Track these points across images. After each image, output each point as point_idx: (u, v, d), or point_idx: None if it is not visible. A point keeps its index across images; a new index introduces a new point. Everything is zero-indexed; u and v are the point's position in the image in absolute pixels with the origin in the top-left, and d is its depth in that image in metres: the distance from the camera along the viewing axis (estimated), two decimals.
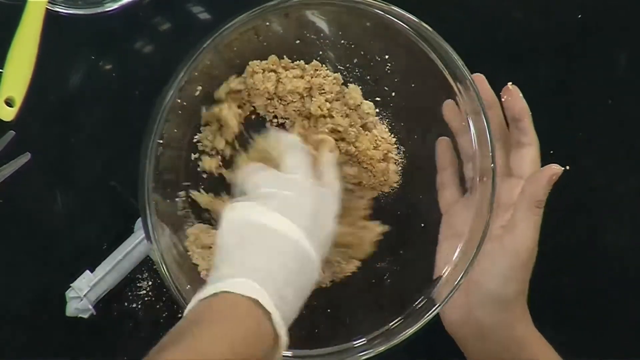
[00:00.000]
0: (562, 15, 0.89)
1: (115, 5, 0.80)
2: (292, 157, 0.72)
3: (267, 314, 0.60)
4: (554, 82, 0.89)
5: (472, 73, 0.78)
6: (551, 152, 0.87)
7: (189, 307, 0.61)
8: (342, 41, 0.81)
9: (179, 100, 0.76)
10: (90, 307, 0.79)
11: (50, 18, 0.77)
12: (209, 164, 0.80)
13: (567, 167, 0.87)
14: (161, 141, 0.75)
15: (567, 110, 0.89)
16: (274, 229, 0.65)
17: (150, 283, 0.82)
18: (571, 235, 0.88)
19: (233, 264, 0.64)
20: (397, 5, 0.77)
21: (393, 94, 0.83)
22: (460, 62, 0.76)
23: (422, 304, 0.78)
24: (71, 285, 0.79)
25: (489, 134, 0.75)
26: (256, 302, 0.60)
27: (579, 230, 0.88)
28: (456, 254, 0.78)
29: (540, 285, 0.87)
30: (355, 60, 0.82)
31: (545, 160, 0.88)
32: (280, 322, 0.60)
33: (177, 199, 0.80)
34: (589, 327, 0.88)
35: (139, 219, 0.80)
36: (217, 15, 0.86)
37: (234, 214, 0.67)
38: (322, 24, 0.81)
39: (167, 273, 0.74)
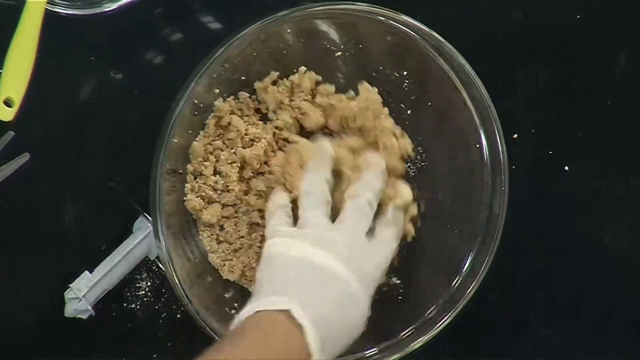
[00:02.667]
0: (562, 15, 0.89)
1: (114, 6, 0.80)
2: (353, 208, 0.73)
3: (302, 331, 0.60)
4: (554, 82, 0.89)
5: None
6: (550, 152, 0.88)
7: (231, 327, 0.62)
8: (361, 54, 0.81)
9: (195, 101, 0.77)
10: (89, 307, 0.79)
11: (49, 18, 0.77)
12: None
13: (567, 168, 0.88)
14: (175, 140, 0.75)
15: (567, 110, 0.89)
16: (319, 263, 0.65)
17: (149, 284, 0.82)
18: (571, 235, 0.88)
19: (272, 289, 0.64)
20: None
21: (409, 112, 0.82)
22: (480, 84, 0.77)
23: (433, 313, 0.78)
24: (70, 285, 0.79)
25: None
26: (291, 317, 0.60)
27: (579, 230, 0.88)
28: (465, 266, 0.78)
29: (541, 285, 0.87)
30: (373, 75, 0.81)
31: (544, 160, 0.88)
32: (313, 341, 0.60)
33: (185, 198, 0.80)
34: (589, 327, 0.88)
35: (138, 219, 0.81)
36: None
37: (275, 249, 0.68)
38: (340, 37, 0.81)
39: (173, 272, 0.74)
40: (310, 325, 0.60)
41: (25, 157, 0.81)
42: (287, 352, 0.60)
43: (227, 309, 0.78)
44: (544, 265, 0.87)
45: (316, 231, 0.70)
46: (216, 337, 0.74)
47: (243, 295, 0.80)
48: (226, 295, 0.78)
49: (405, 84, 0.81)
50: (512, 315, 0.87)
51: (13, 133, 0.80)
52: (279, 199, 0.75)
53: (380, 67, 0.81)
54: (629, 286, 0.88)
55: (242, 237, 0.79)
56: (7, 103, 0.76)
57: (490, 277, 0.78)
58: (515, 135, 0.86)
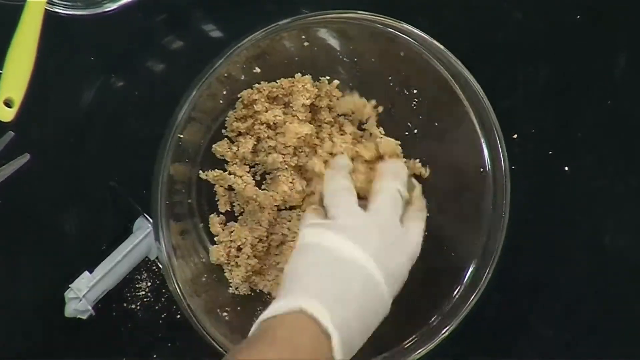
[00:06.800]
0: (562, 15, 0.89)
1: (114, 6, 0.80)
2: (383, 196, 0.73)
3: (327, 335, 0.61)
4: (554, 82, 0.89)
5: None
6: (550, 152, 0.88)
7: (254, 328, 0.62)
8: (369, 67, 0.81)
9: (209, 95, 0.77)
10: (89, 307, 0.79)
11: (49, 18, 0.77)
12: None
13: (567, 168, 0.88)
14: (181, 135, 0.75)
15: (567, 110, 0.89)
16: (344, 255, 0.66)
17: (149, 284, 0.82)
18: (571, 235, 0.88)
19: (299, 287, 0.65)
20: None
21: (415, 131, 0.82)
22: (489, 107, 0.77)
23: (435, 323, 0.78)
24: (70, 285, 0.79)
25: None
26: (317, 322, 0.61)
27: (579, 230, 0.88)
28: (468, 274, 0.78)
29: (541, 285, 0.87)
30: (382, 91, 0.81)
31: (545, 160, 0.88)
32: (337, 345, 0.61)
33: (188, 201, 0.80)
34: (589, 327, 0.88)
35: (138, 219, 0.81)
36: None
37: (307, 240, 0.69)
38: (345, 47, 0.80)
39: (173, 277, 0.74)
40: (335, 331, 0.61)
41: (25, 158, 0.81)
42: (313, 354, 0.61)
43: (225, 313, 0.78)
44: (544, 265, 0.87)
45: (349, 220, 0.70)
46: (212, 341, 0.74)
47: (243, 299, 0.80)
48: (224, 299, 0.79)
49: (414, 103, 0.81)
50: (512, 315, 0.87)
51: (13, 133, 0.80)
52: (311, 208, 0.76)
53: (391, 83, 0.81)
54: (629, 286, 0.88)
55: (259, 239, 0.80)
56: (7, 103, 0.76)
57: (491, 277, 0.78)
58: (515, 135, 0.86)
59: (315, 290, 0.64)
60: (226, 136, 0.81)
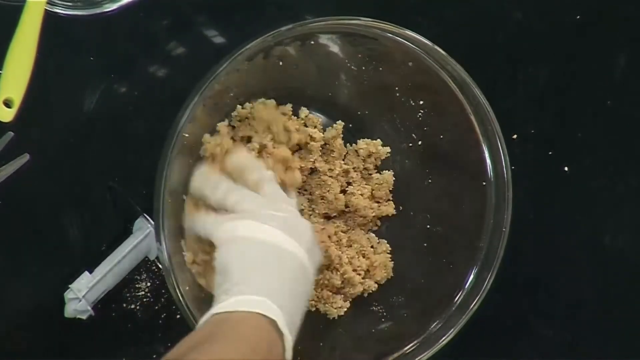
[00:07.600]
0: (562, 16, 0.89)
1: (114, 6, 0.80)
2: (263, 180, 0.75)
3: (280, 334, 0.63)
4: (554, 82, 0.89)
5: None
6: (550, 152, 0.88)
7: (202, 319, 0.63)
8: (376, 76, 0.81)
9: (205, 103, 0.76)
10: (89, 308, 0.79)
11: (49, 19, 0.77)
12: None
13: (567, 168, 0.88)
14: (186, 135, 0.74)
15: (567, 110, 0.89)
16: (281, 247, 0.68)
17: (148, 284, 0.82)
18: (571, 235, 0.88)
19: (249, 283, 0.66)
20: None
21: (420, 142, 0.82)
22: (494, 120, 0.76)
23: (437, 328, 0.78)
24: (70, 286, 0.79)
25: None
26: (273, 324, 0.63)
27: (579, 230, 0.88)
28: (469, 281, 0.78)
29: (540, 285, 0.87)
30: (388, 100, 0.81)
31: (545, 160, 0.88)
32: (289, 347, 0.63)
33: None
34: (589, 327, 0.88)
35: (138, 219, 0.81)
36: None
37: (236, 233, 0.69)
38: (351, 55, 0.80)
39: (173, 277, 0.74)
40: (289, 334, 0.63)
41: (25, 158, 0.80)
42: (269, 354, 0.62)
43: None
44: (544, 265, 0.87)
45: (264, 209, 0.71)
46: None
47: None
48: None
49: (420, 114, 0.81)
50: (512, 315, 0.87)
51: (13, 133, 0.80)
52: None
53: (398, 94, 0.81)
54: (629, 286, 0.88)
55: None
56: (7, 103, 0.76)
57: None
58: (515, 136, 0.86)
59: (264, 288, 0.65)
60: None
